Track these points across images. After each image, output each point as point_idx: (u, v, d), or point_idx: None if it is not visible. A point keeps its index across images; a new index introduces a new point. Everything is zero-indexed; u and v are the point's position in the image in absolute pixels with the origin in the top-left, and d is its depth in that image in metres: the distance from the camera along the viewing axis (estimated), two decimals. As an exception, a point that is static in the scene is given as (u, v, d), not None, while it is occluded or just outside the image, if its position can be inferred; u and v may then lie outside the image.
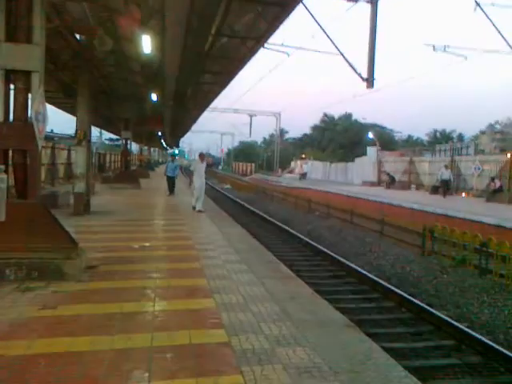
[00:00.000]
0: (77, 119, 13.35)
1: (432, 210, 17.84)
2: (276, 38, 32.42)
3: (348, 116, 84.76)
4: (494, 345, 6.38)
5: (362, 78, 18.99)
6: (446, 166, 25.70)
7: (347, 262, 11.42)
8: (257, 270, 7.06)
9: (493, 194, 22.53)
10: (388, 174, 33.84)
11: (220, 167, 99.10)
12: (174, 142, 73.63)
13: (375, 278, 9.93)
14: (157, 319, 4.73)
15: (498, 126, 66.33)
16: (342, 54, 19.84)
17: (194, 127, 54.60)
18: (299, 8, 11.25)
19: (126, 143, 25.51)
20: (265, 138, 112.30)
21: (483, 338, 6.61)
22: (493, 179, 23.41)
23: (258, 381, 3.49)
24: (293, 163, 68.83)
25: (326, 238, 15.83)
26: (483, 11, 22.58)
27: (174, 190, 20.76)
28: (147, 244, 8.87)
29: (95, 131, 53.06)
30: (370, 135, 45.61)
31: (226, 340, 4.22)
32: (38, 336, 4.18)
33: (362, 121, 78.46)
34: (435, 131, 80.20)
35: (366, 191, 28.23)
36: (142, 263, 7.21)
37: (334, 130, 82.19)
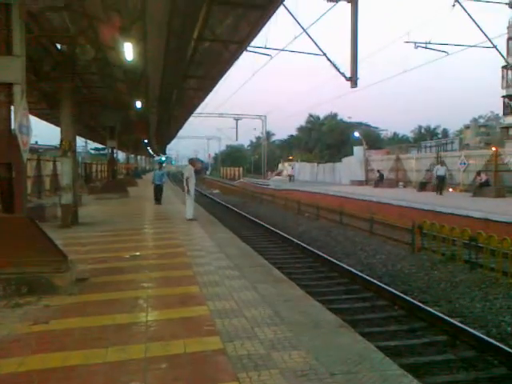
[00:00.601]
0: (61, 130, 13.24)
1: (420, 207, 17.95)
2: (259, 40, 32.49)
3: (333, 116, 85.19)
4: (487, 338, 6.42)
5: (345, 77, 19.09)
6: (441, 162, 25.65)
7: (338, 263, 11.44)
8: (249, 274, 7.04)
9: (479, 189, 22.72)
10: (378, 172, 33.98)
11: (208, 172, 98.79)
12: (161, 149, 73.36)
13: (367, 277, 9.95)
14: (150, 329, 4.69)
15: (481, 120, 67.05)
16: (325, 55, 19.94)
17: (181, 133, 54.46)
18: (282, 11, 11.29)
19: (112, 152, 25.36)
20: (251, 141, 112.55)
21: (476, 333, 6.64)
22: (479, 173, 23.62)
23: (255, 387, 3.47)
24: (280, 165, 68.94)
25: (317, 239, 15.85)
26: (462, 6, 22.86)
27: (161, 199, 20.20)
28: (138, 253, 8.81)
29: (80, 141, 52.75)
30: (356, 134, 45.82)
31: (221, 347, 4.19)
32: (31, 352, 4.12)
33: (348, 120, 78.99)
34: (420, 127, 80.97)
35: (354, 190, 28.36)
36: (133, 273, 7.15)
37: (320, 130, 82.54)
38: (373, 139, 66.23)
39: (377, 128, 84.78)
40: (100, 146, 56.60)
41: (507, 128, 45.55)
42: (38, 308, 5.36)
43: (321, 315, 5.20)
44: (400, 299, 8.43)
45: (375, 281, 9.68)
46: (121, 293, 6.02)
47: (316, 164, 55.49)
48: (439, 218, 15.22)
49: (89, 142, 58.40)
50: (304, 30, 18.86)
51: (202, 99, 24.13)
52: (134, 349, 4.17)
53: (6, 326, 4.75)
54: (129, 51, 10.99)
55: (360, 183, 36.64)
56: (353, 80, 18.84)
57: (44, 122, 27.18)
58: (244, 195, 37.04)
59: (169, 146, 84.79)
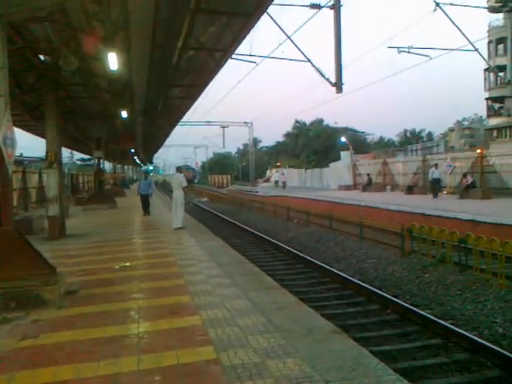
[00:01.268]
0: (46, 141, 13.09)
1: (409, 210, 18.04)
2: (244, 48, 32.55)
3: (319, 121, 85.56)
4: (480, 340, 6.43)
5: (330, 83, 19.26)
6: (436, 165, 25.02)
7: (330, 268, 11.43)
8: (240, 282, 7.00)
9: (466, 191, 22.90)
10: (368, 175, 34.08)
11: (196, 180, 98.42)
12: (148, 159, 73.17)
13: (359, 282, 9.96)
14: (142, 341, 4.63)
15: (465, 123, 67.77)
16: (310, 61, 20.11)
17: (168, 142, 54.37)
18: (266, 19, 11.34)
19: (99, 162, 25.18)
20: (239, 149, 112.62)
21: (469, 334, 6.66)
22: (465, 175, 23.81)
23: (251, 397, 3.43)
24: (268, 172, 69.01)
25: (307, 245, 15.84)
26: (443, 11, 23.17)
27: (149, 210, 19.23)
28: (128, 264, 8.72)
29: (66, 152, 52.32)
30: (343, 139, 46.04)
31: (214, 357, 4.14)
32: (21, 367, 4.04)
33: (334, 125, 79.43)
34: (405, 131, 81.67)
35: (342, 195, 28.44)
36: (123, 284, 7.07)
37: (307, 136, 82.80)
38: (359, 144, 66.62)
39: (363, 132, 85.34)
40: (86, 156, 56.24)
41: (491, 130, 46.08)
42: (27, 322, 5.27)
43: (314, 321, 5.17)
44: (392, 303, 8.44)
45: (367, 285, 9.68)
46: (111, 304, 5.95)
47: (304, 170, 55.64)
48: (428, 220, 15.29)
49: (75, 152, 58.01)
50: (288, 37, 18.99)
51: (188, 107, 24.12)
52: (126, 361, 4.10)
53: (-5, 343, 4.65)
54: (113, 61, 10.90)
55: (348, 188, 36.77)
56: (338, 86, 19.00)
57: (30, 134, 26.96)
58: (233, 202, 36.98)
59: (156, 155, 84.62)
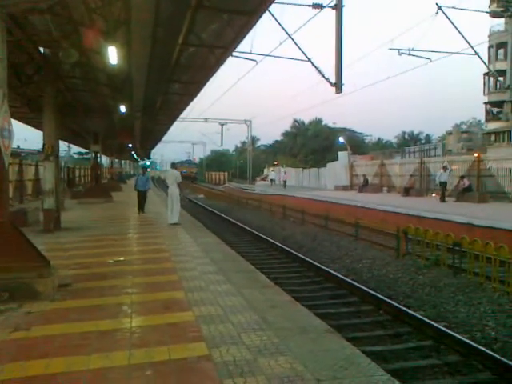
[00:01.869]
0: (44, 134, 13.06)
1: (405, 212, 18.05)
2: (244, 46, 32.56)
3: (318, 121, 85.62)
4: (471, 343, 6.44)
5: (330, 83, 19.24)
6: (445, 167, 23.82)
7: (324, 267, 11.43)
8: (234, 279, 7.00)
9: (462, 194, 22.92)
10: (364, 176, 34.09)
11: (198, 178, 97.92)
12: (145, 154, 72.98)
13: (353, 282, 9.96)
14: (134, 336, 4.62)
15: (463, 127, 67.91)
16: (310, 60, 20.09)
17: (165, 138, 54.28)
18: (268, 17, 11.33)
19: (96, 156, 25.15)
20: (237, 146, 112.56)
21: (461, 337, 6.67)
22: (462, 178, 23.83)
23: (241, 394, 3.43)
24: (266, 170, 68.98)
25: (303, 244, 15.84)
26: (445, 14, 23.22)
27: (145, 206, 18.35)
28: (122, 258, 8.70)
29: (63, 145, 52.24)
30: (341, 139, 46.07)
31: (206, 353, 4.14)
32: (11, 359, 4.03)
33: (333, 125, 79.47)
34: (404, 133, 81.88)
35: (339, 195, 28.44)
36: (117, 278, 7.06)
37: (305, 135, 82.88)
38: (357, 144, 66.73)
39: (361, 133, 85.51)
40: (83, 150, 56.15)
41: (489, 134, 46.20)
42: (19, 314, 5.26)
43: (307, 320, 5.18)
44: (385, 304, 8.44)
45: (361, 285, 9.69)
46: (104, 298, 5.94)
47: (301, 169, 55.64)
48: (423, 222, 15.31)
49: (72, 146, 57.89)
50: (289, 36, 18.98)
51: (187, 104, 24.03)
52: (117, 355, 4.10)
53: (-14, 334, 4.64)
54: (113, 55, 10.87)
55: (344, 188, 36.77)
56: (337, 86, 18.99)
57: (27, 126, 26.85)
58: (229, 200, 36.95)
59: (153, 151, 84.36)
